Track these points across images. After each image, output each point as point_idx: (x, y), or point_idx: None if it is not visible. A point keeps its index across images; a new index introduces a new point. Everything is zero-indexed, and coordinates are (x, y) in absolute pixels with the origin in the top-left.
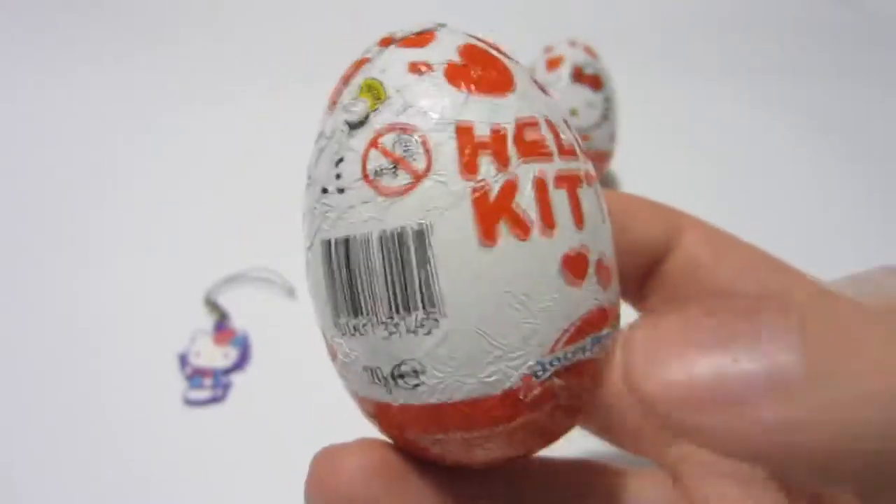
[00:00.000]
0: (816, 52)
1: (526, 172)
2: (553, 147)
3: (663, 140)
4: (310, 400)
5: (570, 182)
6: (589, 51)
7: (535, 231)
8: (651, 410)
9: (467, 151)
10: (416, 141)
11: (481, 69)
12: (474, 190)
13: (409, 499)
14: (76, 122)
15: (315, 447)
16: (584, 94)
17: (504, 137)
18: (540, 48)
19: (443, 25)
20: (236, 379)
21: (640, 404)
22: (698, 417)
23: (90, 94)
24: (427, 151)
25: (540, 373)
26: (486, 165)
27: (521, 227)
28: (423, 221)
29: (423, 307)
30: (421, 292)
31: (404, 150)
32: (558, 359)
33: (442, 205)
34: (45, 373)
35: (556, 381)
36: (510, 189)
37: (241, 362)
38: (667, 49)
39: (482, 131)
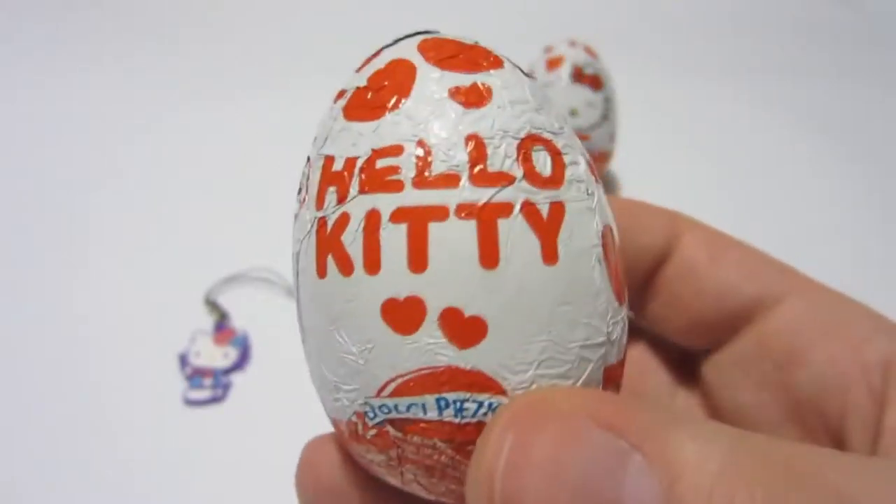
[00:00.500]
0: (816, 52)
1: (360, 206)
2: (409, 176)
3: (663, 140)
4: (310, 400)
5: (424, 216)
6: (589, 51)
7: (358, 269)
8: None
9: (321, 183)
10: (305, 172)
11: (373, 92)
12: (317, 221)
13: (382, 488)
14: (76, 122)
15: None
16: (584, 94)
17: (351, 169)
18: (540, 48)
19: (421, 34)
20: (236, 379)
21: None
22: None
23: (90, 94)
24: (307, 182)
25: (371, 414)
26: (330, 198)
27: (343, 264)
28: (296, 248)
29: (300, 325)
30: (298, 312)
31: (304, 180)
32: (386, 407)
33: (301, 235)
34: (45, 373)
35: (392, 429)
36: (342, 223)
37: (241, 362)
38: (667, 49)
39: (338, 163)
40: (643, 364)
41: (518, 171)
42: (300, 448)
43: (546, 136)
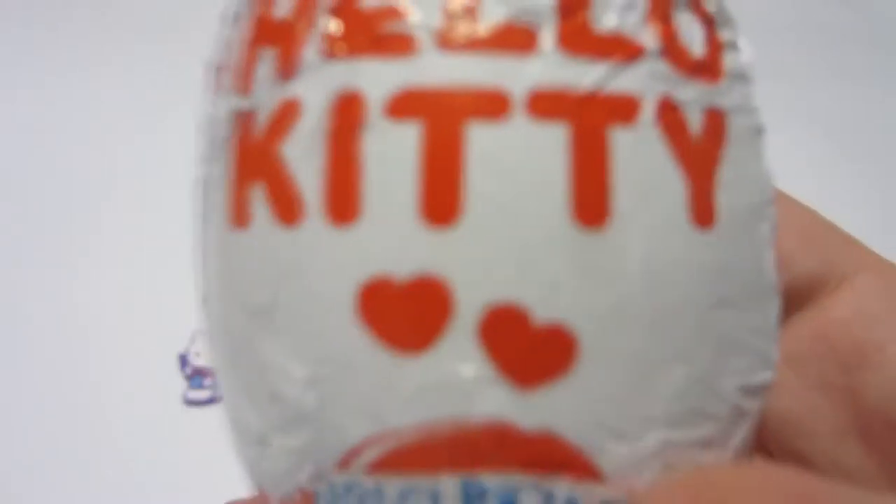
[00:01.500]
0: (817, 52)
1: (325, 84)
2: (430, 29)
3: None
4: None
5: (458, 110)
6: None
7: (313, 212)
8: None
9: (249, 45)
10: (222, 35)
11: None
12: (235, 119)
13: None
14: (76, 122)
15: None
16: None
17: (310, 13)
18: None
19: None
20: None
21: None
22: None
23: (91, 94)
24: (220, 51)
25: (326, 500)
26: (264, 70)
27: (284, 201)
28: (198, 174)
29: None
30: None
31: (215, 51)
32: (359, 490)
33: (207, 148)
34: (45, 373)
35: None
36: (284, 119)
37: None
38: None
39: (281, 5)
40: None
41: (651, 38)
42: None
43: None
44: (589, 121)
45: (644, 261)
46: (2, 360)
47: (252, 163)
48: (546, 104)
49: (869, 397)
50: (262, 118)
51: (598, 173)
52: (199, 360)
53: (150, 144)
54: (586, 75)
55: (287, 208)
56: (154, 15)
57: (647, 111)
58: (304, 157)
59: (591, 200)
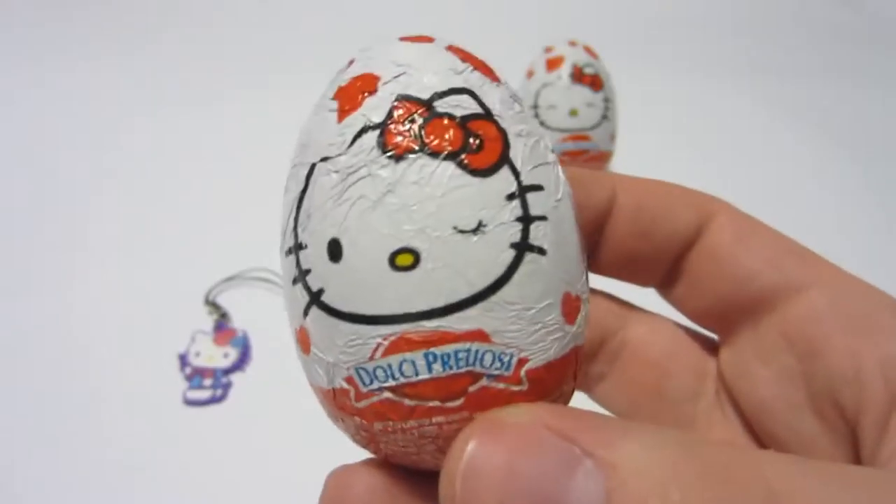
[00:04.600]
0: (816, 52)
1: None
2: None
3: (663, 140)
4: (309, 400)
5: None
6: (589, 51)
7: None
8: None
9: None
10: None
11: None
12: None
13: None
14: (76, 123)
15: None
16: (584, 94)
17: None
18: (540, 48)
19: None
20: (236, 379)
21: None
22: None
23: (91, 94)
24: None
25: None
26: None
27: None
28: None
29: None
30: None
31: None
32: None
33: None
34: (45, 373)
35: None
36: None
37: (241, 362)
38: (667, 49)
39: None
40: (676, 344)
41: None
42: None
43: None
44: None
45: None
46: (2, 360)
47: None
48: None
49: (819, 380)
50: None
51: None
52: (198, 360)
53: (151, 145)
54: None
55: None
56: (156, 19)
57: None
58: None
59: None
